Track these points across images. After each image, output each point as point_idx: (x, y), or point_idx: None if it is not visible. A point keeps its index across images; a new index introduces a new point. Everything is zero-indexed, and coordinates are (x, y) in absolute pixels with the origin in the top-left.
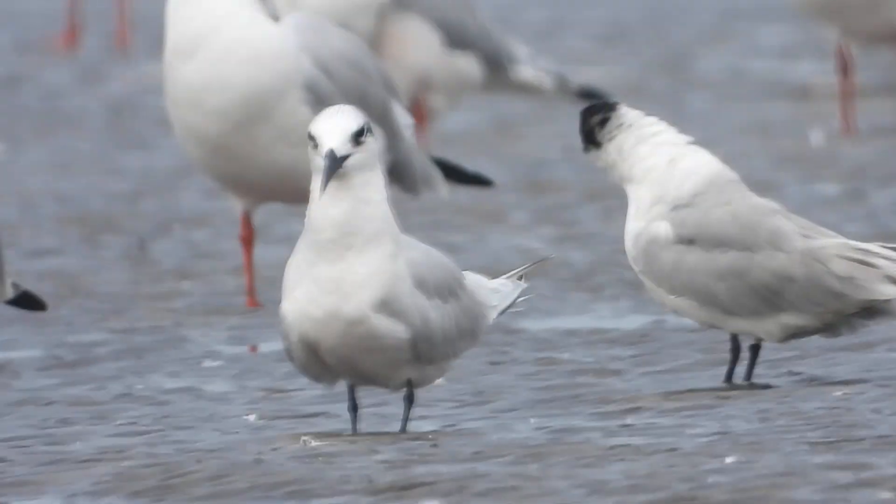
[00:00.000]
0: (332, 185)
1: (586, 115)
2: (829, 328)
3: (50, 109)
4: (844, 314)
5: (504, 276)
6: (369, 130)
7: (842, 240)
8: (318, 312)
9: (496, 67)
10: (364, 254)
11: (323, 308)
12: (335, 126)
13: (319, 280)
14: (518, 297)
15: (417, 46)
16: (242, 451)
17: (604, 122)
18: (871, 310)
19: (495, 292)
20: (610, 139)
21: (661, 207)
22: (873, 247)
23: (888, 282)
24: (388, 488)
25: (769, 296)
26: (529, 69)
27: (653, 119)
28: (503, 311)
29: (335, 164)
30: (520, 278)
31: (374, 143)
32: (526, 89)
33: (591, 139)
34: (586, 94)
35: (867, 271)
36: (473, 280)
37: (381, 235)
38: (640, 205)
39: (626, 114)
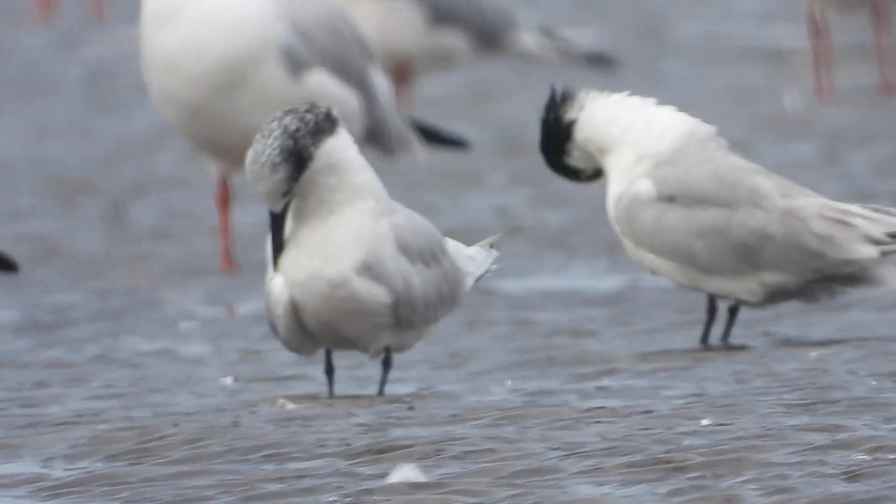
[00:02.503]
0: None
1: (547, 110)
2: (809, 292)
3: (27, 75)
4: (824, 274)
5: (477, 245)
6: (315, 132)
7: (822, 199)
8: (300, 275)
9: (489, 39)
10: (344, 215)
11: (305, 270)
12: (264, 196)
13: (301, 243)
14: (490, 265)
15: (399, 27)
16: (219, 414)
17: (569, 98)
18: (852, 276)
19: (472, 259)
20: (581, 108)
21: (644, 165)
22: (853, 207)
23: (866, 242)
24: (365, 451)
25: (748, 254)
26: (529, 36)
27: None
28: (478, 279)
29: (280, 223)
30: (491, 246)
31: (331, 141)
32: (527, 57)
33: (560, 131)
34: (592, 59)
35: (846, 231)
36: (453, 247)
37: (359, 198)
38: (622, 165)
39: (589, 90)
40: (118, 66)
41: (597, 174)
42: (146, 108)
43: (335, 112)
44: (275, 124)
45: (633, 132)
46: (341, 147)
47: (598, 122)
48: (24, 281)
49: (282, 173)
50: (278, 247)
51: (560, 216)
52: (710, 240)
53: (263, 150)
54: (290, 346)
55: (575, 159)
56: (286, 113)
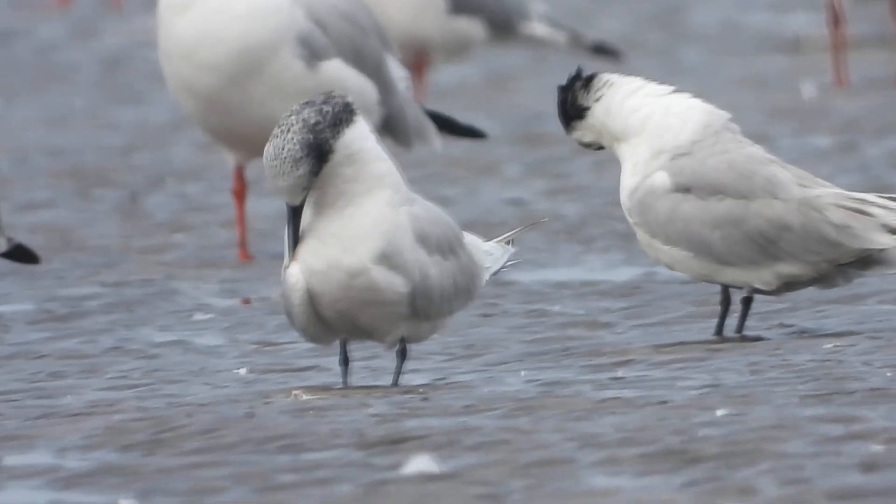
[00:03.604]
0: None
1: (565, 88)
2: (824, 278)
3: (43, 64)
4: (840, 263)
5: (494, 241)
6: (335, 124)
7: (838, 189)
8: (319, 264)
9: (504, 26)
10: (362, 205)
11: (324, 259)
12: (285, 191)
13: (319, 233)
14: (507, 262)
15: (422, 13)
16: (233, 405)
17: (588, 84)
18: (867, 260)
19: (489, 254)
20: (597, 99)
21: (661, 159)
22: (870, 196)
23: (884, 230)
24: (379, 442)
25: (765, 244)
26: (541, 25)
27: (632, 77)
28: (494, 274)
29: (297, 216)
30: (508, 242)
31: (350, 133)
32: (538, 44)
33: (573, 110)
34: (600, 49)
35: (863, 220)
36: (470, 240)
37: (378, 188)
38: (637, 160)
39: (608, 75)
40: (134, 55)
41: (599, 147)
42: (162, 97)
43: (353, 101)
44: (293, 118)
45: (652, 126)
46: (360, 137)
47: (614, 112)
48: (40, 272)
49: (303, 169)
50: (295, 239)
51: (576, 207)
52: (727, 230)
53: (283, 145)
54: (306, 334)
55: (580, 135)
56: (304, 106)
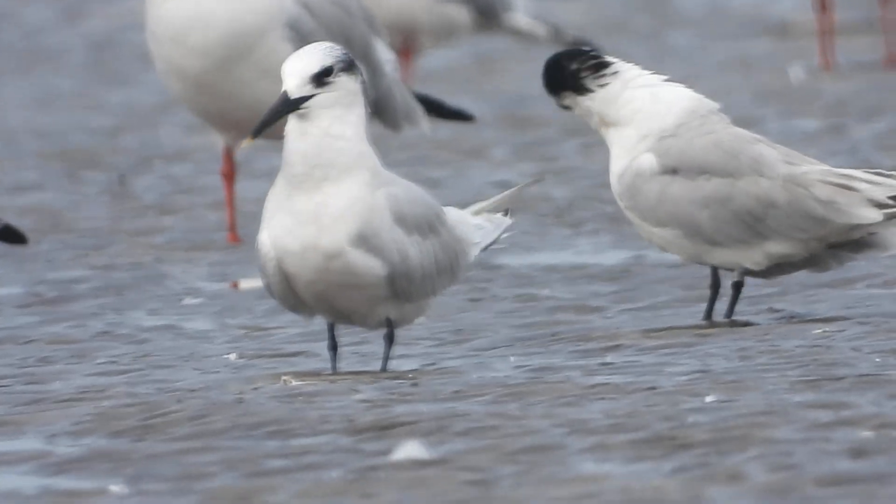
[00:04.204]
0: (297, 121)
1: (568, 59)
2: (815, 259)
3: (31, 46)
4: (828, 241)
5: (489, 202)
6: (345, 69)
7: (824, 166)
8: (294, 245)
9: (489, 15)
10: (339, 185)
11: (300, 240)
12: (295, 68)
13: (296, 212)
14: (502, 233)
15: None
16: (223, 390)
17: (598, 69)
18: (858, 242)
19: (478, 228)
20: (602, 86)
21: (647, 142)
22: (856, 172)
23: (870, 205)
24: (369, 428)
25: (752, 222)
26: (524, 17)
27: (631, 64)
28: (486, 248)
29: (284, 107)
30: (505, 213)
31: (350, 82)
32: (519, 35)
33: (574, 84)
34: (579, 44)
35: (849, 195)
36: (456, 216)
37: (356, 168)
38: (624, 143)
39: (618, 64)
40: (122, 37)
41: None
42: (150, 79)
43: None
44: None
45: (642, 115)
46: (357, 94)
47: (611, 100)
48: (28, 255)
49: (329, 60)
50: (264, 126)
51: (564, 190)
52: (715, 209)
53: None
54: (285, 304)
55: (567, 104)
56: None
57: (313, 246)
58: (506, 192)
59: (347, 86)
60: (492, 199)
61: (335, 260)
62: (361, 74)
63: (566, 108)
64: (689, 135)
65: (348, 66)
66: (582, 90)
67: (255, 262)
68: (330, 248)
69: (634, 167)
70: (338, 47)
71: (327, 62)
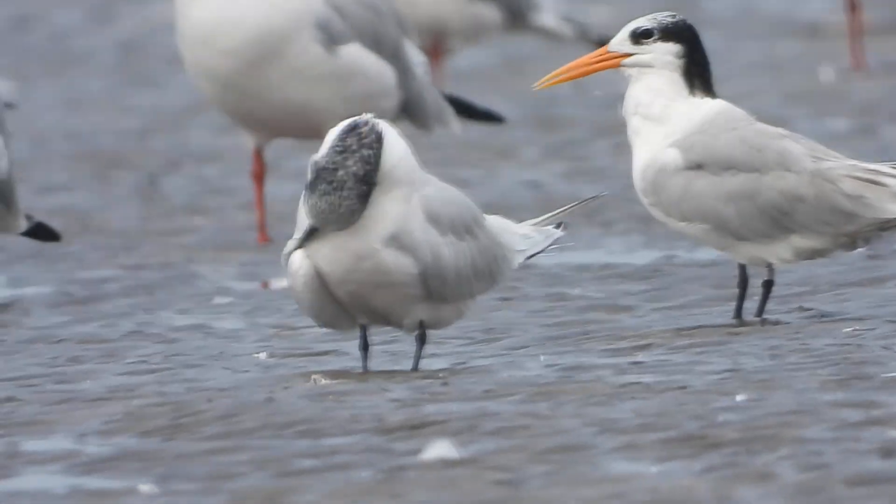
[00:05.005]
0: None
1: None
2: (842, 247)
3: (60, 49)
4: (855, 236)
5: (543, 218)
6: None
7: (851, 161)
8: (326, 246)
9: (517, 15)
10: (376, 199)
11: (331, 241)
12: (333, 229)
13: None
14: (551, 244)
15: None
16: (253, 390)
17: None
18: (885, 226)
19: (524, 238)
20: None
21: (672, 138)
22: (883, 167)
23: None
24: (399, 427)
25: (779, 217)
26: (551, 17)
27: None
28: (533, 256)
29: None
30: (558, 226)
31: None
32: (546, 35)
33: (664, 34)
34: (605, 42)
35: (876, 190)
36: (499, 224)
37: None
38: (649, 139)
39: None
40: (151, 39)
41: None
42: (179, 81)
43: (378, 124)
44: (342, 173)
45: (670, 113)
46: (392, 155)
47: (662, 63)
48: (59, 255)
49: (358, 214)
50: (308, 240)
51: (594, 190)
52: (741, 205)
53: (340, 202)
54: (319, 320)
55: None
56: (344, 154)
57: (345, 245)
58: (565, 207)
59: (388, 166)
60: (548, 214)
61: (366, 260)
62: (379, 133)
63: (629, 51)
64: (714, 130)
65: (377, 157)
66: (649, 36)
67: (286, 275)
68: (361, 249)
69: (658, 162)
70: (358, 176)
71: (361, 208)
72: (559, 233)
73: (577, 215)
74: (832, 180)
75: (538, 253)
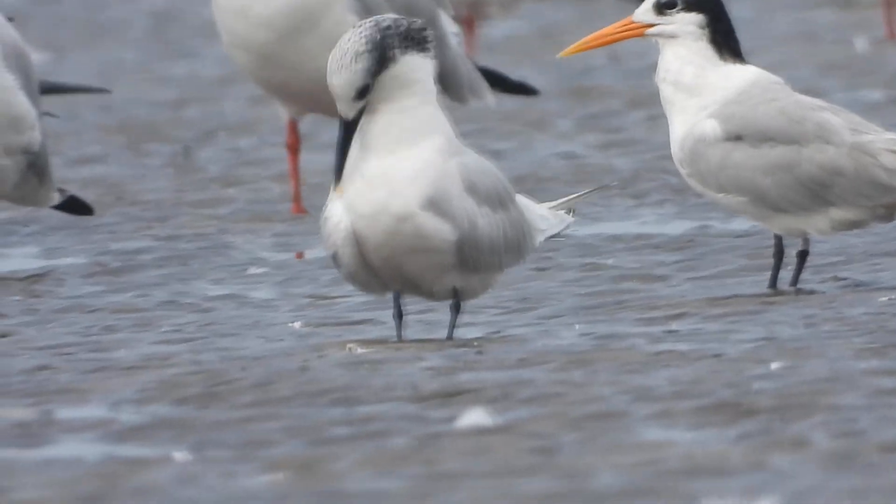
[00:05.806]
0: None
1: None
2: (879, 219)
3: (93, 19)
4: (893, 207)
5: (554, 203)
6: (391, 56)
7: (891, 134)
8: (366, 208)
9: None
10: (413, 148)
11: (371, 203)
12: (340, 89)
13: (368, 175)
14: (564, 228)
15: None
16: (287, 358)
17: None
18: None
19: (544, 218)
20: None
21: (710, 109)
22: None
23: None
24: (433, 395)
25: (818, 190)
26: None
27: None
28: (548, 238)
29: (347, 135)
30: (569, 211)
31: (412, 61)
32: None
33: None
34: None
35: None
36: (524, 201)
37: (430, 133)
38: (684, 109)
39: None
40: (184, 9)
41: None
42: (213, 52)
43: (430, 34)
44: (368, 21)
45: (702, 83)
46: (424, 69)
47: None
48: (93, 226)
49: (362, 63)
50: (341, 164)
51: (628, 161)
52: (779, 176)
53: (349, 37)
54: (355, 280)
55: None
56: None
57: (384, 208)
58: (573, 195)
59: (414, 62)
60: (560, 200)
61: (405, 222)
62: (426, 34)
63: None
64: (752, 101)
65: (407, 35)
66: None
67: (322, 234)
68: (400, 211)
69: (697, 132)
70: (379, 24)
71: (366, 61)
72: (570, 219)
73: (611, 187)
74: (872, 154)
75: (553, 236)
